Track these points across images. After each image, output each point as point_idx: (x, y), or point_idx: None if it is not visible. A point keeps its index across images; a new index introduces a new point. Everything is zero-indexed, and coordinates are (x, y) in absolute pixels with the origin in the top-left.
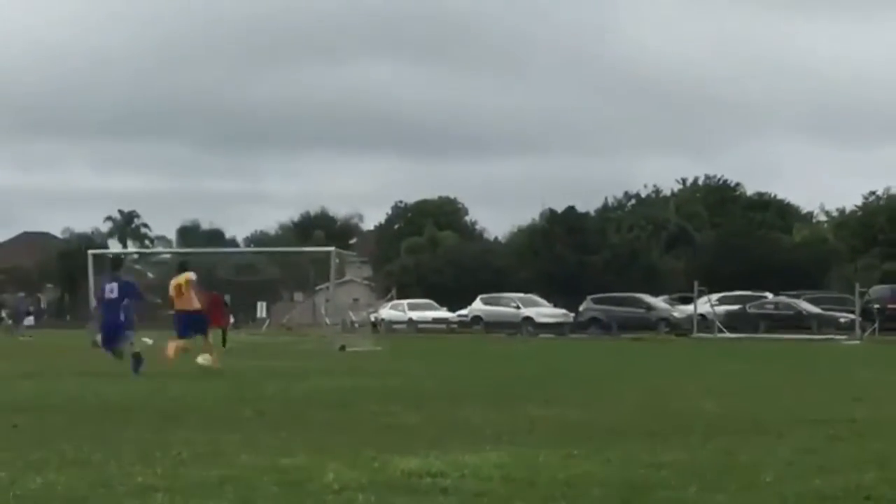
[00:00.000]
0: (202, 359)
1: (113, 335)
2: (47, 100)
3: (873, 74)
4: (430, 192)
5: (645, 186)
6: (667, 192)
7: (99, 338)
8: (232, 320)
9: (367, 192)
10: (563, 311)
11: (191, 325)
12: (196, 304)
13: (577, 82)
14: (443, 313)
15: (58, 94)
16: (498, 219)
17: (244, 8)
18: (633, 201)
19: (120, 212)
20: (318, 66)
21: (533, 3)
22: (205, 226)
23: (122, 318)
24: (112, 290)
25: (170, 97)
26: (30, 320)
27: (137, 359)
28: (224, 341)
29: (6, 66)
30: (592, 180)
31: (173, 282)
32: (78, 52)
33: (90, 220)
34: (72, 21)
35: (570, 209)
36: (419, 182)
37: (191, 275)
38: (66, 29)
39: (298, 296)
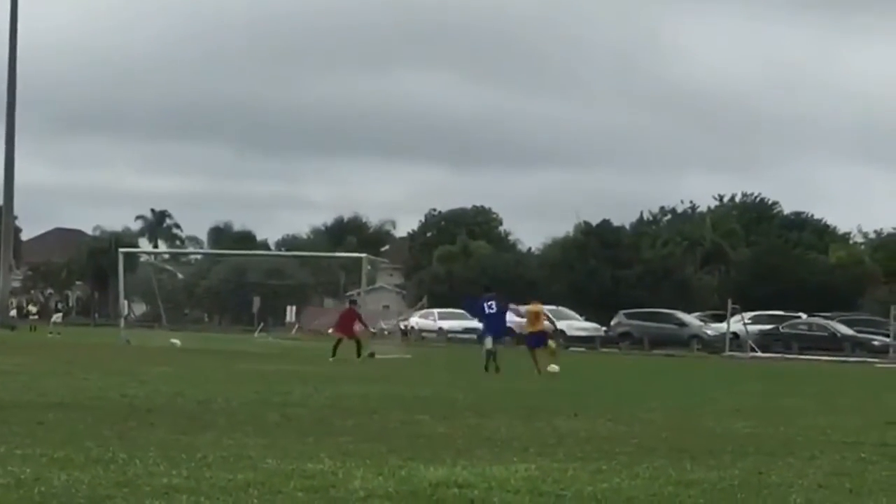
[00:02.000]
0: (551, 368)
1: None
2: (90, 99)
3: None
4: (465, 202)
5: (681, 202)
6: (703, 209)
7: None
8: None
9: (401, 200)
10: (595, 324)
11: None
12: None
13: (618, 97)
14: (473, 323)
15: (101, 95)
16: (532, 230)
17: (291, 13)
18: (668, 217)
19: (152, 211)
20: (363, 74)
21: (577, 18)
22: (237, 228)
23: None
24: (491, 306)
25: (212, 100)
26: (58, 317)
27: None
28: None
29: (49, 66)
30: (629, 194)
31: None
32: (121, 53)
33: (124, 219)
34: (116, 22)
35: (605, 223)
36: (454, 191)
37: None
38: (110, 30)
39: (328, 301)
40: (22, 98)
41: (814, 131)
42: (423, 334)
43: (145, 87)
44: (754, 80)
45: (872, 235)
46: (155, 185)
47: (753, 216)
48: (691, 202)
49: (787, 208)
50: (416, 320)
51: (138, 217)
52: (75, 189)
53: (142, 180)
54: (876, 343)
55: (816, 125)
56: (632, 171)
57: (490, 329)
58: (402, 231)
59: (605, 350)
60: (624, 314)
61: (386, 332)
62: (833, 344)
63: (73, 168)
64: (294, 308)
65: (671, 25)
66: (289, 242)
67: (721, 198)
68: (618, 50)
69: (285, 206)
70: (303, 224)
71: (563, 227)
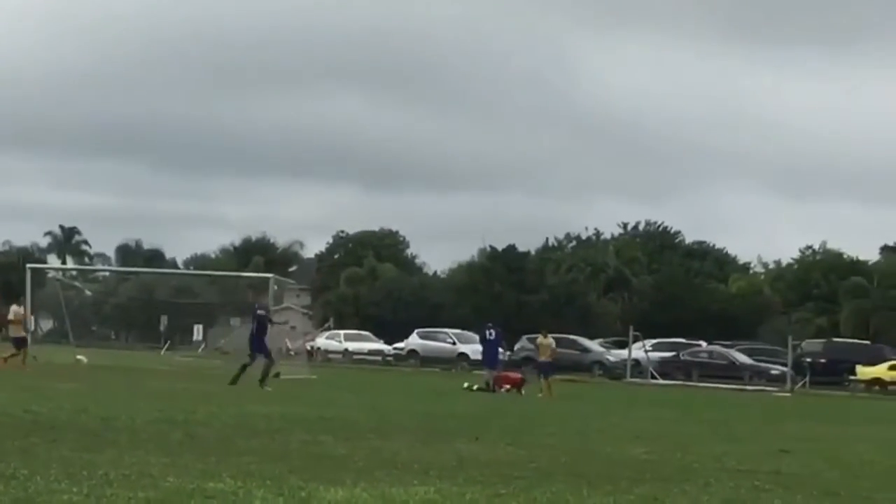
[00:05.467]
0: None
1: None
2: (2, 115)
3: (819, 129)
4: (374, 224)
5: (586, 229)
6: (607, 236)
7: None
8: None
9: (311, 220)
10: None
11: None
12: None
13: (528, 121)
14: (379, 345)
15: (13, 109)
16: (439, 254)
17: (205, 33)
18: (573, 243)
19: (61, 227)
20: (277, 93)
21: (490, 42)
22: (146, 246)
23: (499, 356)
24: (491, 333)
25: (126, 118)
26: None
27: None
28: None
29: None
30: (536, 219)
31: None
32: (36, 68)
33: (33, 235)
34: (29, 37)
35: (511, 248)
36: (363, 213)
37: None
38: (24, 44)
39: (235, 321)
40: None
41: (719, 161)
42: (329, 355)
43: (59, 102)
44: (662, 108)
45: (772, 266)
46: (65, 202)
47: (657, 245)
48: (596, 229)
49: (690, 237)
50: (322, 341)
51: (47, 233)
52: None
53: (52, 196)
54: (774, 372)
55: (722, 155)
56: (539, 196)
57: (487, 359)
58: (310, 252)
59: None
60: (527, 338)
61: (292, 353)
62: (732, 372)
63: None
64: (201, 327)
65: (583, 51)
66: (198, 261)
67: (625, 226)
68: (529, 75)
69: (195, 225)
70: (212, 243)
71: (470, 251)
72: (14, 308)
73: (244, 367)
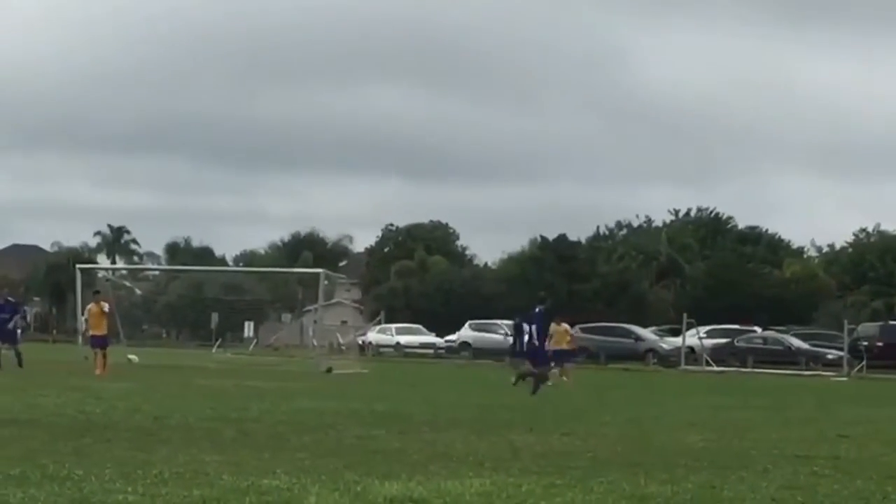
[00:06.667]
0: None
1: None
2: (48, 114)
3: (871, 110)
4: (423, 216)
5: (637, 217)
6: (658, 223)
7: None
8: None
9: (359, 214)
10: None
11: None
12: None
13: (575, 109)
14: (431, 338)
15: (59, 109)
16: (489, 245)
17: (250, 26)
18: (624, 231)
19: (109, 227)
20: (322, 87)
21: (534, 30)
22: (195, 243)
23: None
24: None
25: (172, 114)
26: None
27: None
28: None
29: (6, 80)
30: (585, 208)
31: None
32: (80, 68)
33: (82, 235)
34: (74, 37)
35: (561, 237)
36: (412, 206)
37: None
38: (69, 45)
39: (286, 316)
40: None
41: (769, 145)
42: (381, 349)
43: (104, 101)
44: (711, 92)
45: (826, 249)
46: (113, 201)
47: (709, 231)
48: (647, 216)
49: (742, 223)
50: (373, 335)
51: (96, 233)
52: (33, 204)
53: (100, 195)
54: (830, 356)
55: (771, 139)
56: (588, 185)
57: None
58: (359, 246)
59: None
60: (580, 328)
61: (343, 348)
62: (787, 357)
63: (30, 183)
64: (252, 324)
65: (629, 37)
66: (247, 258)
67: (676, 212)
68: (575, 62)
69: (243, 222)
70: (261, 239)
71: (520, 242)
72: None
73: None
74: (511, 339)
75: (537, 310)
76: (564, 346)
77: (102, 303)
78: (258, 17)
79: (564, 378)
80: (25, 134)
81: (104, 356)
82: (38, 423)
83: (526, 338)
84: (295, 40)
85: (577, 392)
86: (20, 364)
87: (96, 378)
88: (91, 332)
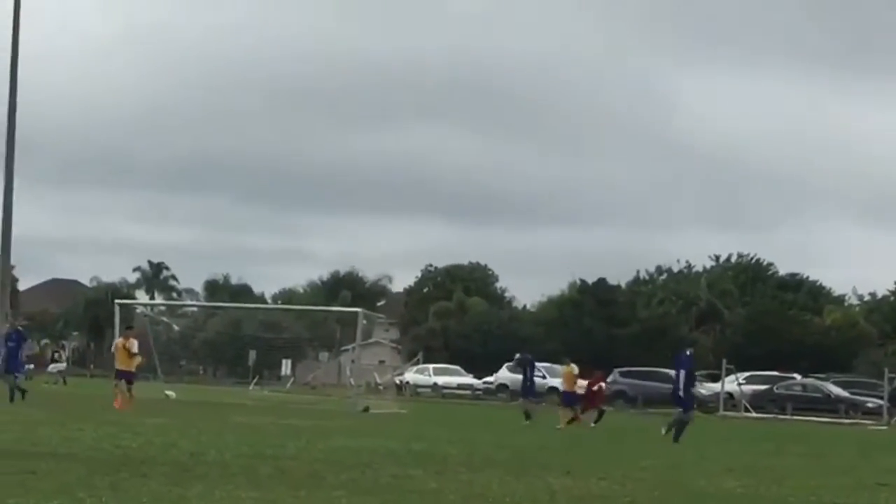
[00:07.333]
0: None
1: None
2: (90, 149)
3: None
4: (462, 258)
5: (678, 262)
6: (699, 268)
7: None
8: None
9: (399, 255)
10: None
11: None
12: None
13: (616, 153)
14: (468, 379)
15: (101, 144)
16: (528, 287)
17: (294, 67)
18: (664, 276)
19: (149, 262)
20: (363, 128)
21: (577, 74)
22: (234, 281)
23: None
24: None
25: (211, 152)
26: (60, 366)
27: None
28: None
29: (49, 114)
30: (625, 252)
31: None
32: (122, 103)
33: (121, 271)
34: (115, 74)
35: (601, 281)
36: (452, 247)
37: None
38: (111, 80)
39: (324, 355)
40: (21, 146)
41: (811, 193)
42: (418, 389)
43: (145, 137)
44: (753, 138)
45: (867, 297)
46: (153, 237)
47: (749, 277)
48: (687, 262)
49: (783, 269)
50: (411, 375)
51: (135, 268)
52: (73, 239)
53: (140, 231)
54: (870, 405)
55: (813, 186)
56: (629, 229)
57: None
58: (398, 286)
59: None
60: (619, 372)
61: (380, 388)
62: (827, 405)
63: (70, 218)
64: (289, 362)
65: (674, 81)
66: (285, 296)
67: (717, 258)
68: (620, 106)
69: (283, 260)
70: (300, 278)
71: (559, 285)
72: (118, 341)
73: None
74: (524, 379)
75: (688, 353)
76: (570, 389)
77: (131, 339)
78: (303, 58)
79: (558, 426)
80: (67, 168)
81: (129, 391)
82: (76, 456)
83: (676, 381)
84: (340, 81)
85: (562, 434)
86: (11, 399)
87: (117, 411)
88: (117, 367)
